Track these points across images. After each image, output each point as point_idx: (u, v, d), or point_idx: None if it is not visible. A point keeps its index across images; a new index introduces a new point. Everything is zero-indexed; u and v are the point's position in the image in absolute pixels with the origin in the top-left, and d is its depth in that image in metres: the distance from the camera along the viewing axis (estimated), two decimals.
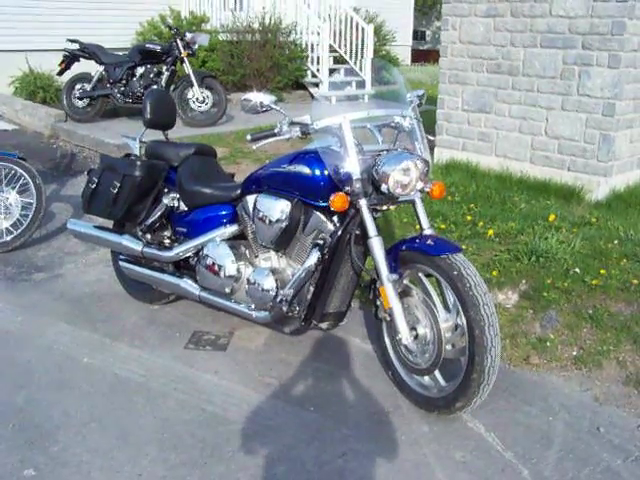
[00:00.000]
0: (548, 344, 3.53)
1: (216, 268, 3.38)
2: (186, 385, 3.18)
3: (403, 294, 2.92)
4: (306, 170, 3.04)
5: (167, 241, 3.79)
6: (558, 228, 4.69)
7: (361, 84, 12.55)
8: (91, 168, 3.97)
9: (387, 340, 3.14)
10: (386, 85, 3.62)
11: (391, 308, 2.87)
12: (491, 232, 4.68)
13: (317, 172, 3.00)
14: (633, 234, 4.55)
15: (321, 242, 3.07)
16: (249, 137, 3.07)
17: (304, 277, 3.08)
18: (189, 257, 3.60)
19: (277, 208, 3.11)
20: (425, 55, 20.16)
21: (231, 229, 3.43)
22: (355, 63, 12.38)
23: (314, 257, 3.05)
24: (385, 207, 3.05)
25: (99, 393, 3.10)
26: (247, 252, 3.41)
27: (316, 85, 12.00)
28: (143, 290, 3.98)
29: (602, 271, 4.00)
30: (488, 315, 2.67)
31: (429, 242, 2.89)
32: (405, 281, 2.94)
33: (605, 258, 4.20)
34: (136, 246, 3.72)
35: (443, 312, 2.87)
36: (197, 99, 8.36)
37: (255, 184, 3.32)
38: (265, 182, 3.25)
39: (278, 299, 3.14)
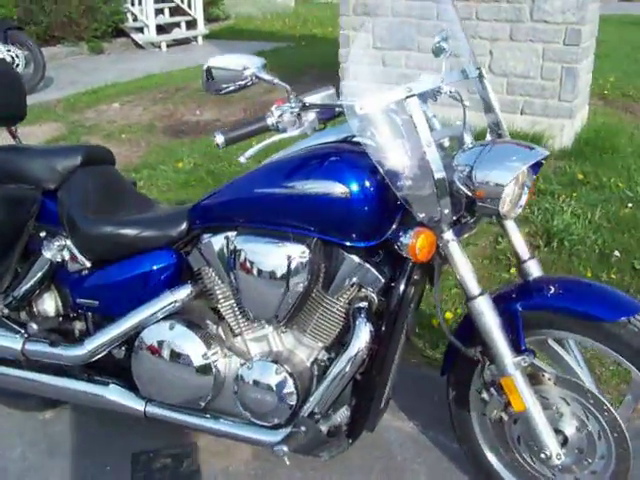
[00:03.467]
0: None
1: (171, 368, 1.95)
2: None
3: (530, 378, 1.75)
4: (335, 188, 1.68)
5: (58, 320, 2.23)
6: (552, 193, 3.73)
7: (192, 24, 10.81)
8: None
9: (490, 454, 1.95)
10: None
11: (527, 410, 1.68)
12: None
13: (354, 189, 1.66)
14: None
15: (364, 305, 1.77)
16: (220, 139, 1.65)
17: (349, 372, 1.78)
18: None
19: (282, 258, 1.74)
20: None
21: (182, 294, 1.97)
22: (182, 1, 10.58)
23: (362, 334, 1.74)
24: (466, 235, 1.82)
25: None
26: (220, 330, 2.00)
27: (140, 30, 10.09)
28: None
29: None
30: None
31: (563, 293, 1.72)
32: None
33: (635, 229, 3.31)
34: (12, 344, 2.12)
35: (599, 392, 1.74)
36: None
37: (219, 215, 1.90)
38: (244, 212, 1.84)
39: (306, 412, 1.83)
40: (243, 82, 1.64)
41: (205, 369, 1.91)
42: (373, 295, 1.78)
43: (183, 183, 4.25)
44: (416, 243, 1.59)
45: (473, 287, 1.68)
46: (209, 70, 1.64)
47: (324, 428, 1.82)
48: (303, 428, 1.78)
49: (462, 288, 1.70)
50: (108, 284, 2.06)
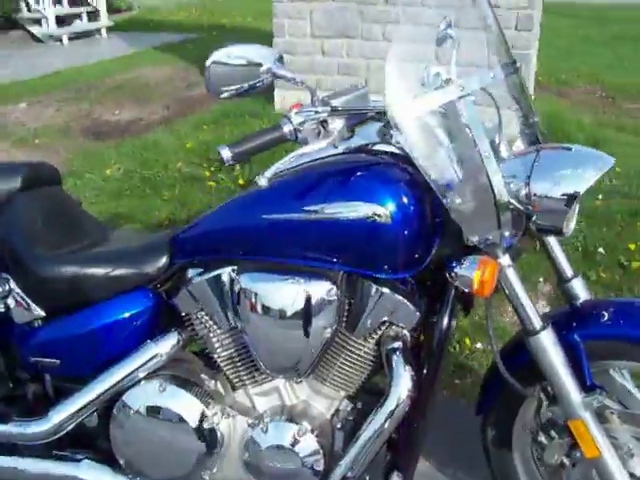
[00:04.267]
0: None
1: (165, 438, 1.59)
2: None
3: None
4: (368, 211, 1.37)
5: (5, 385, 1.79)
6: None
7: (93, 15, 10.08)
8: None
9: None
10: None
11: (600, 458, 1.45)
12: None
13: (391, 211, 1.36)
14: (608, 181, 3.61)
15: (398, 345, 1.48)
16: (226, 154, 1.30)
17: (389, 428, 1.48)
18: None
19: (304, 298, 1.42)
20: None
21: (167, 344, 1.60)
22: None
23: (403, 381, 1.45)
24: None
25: None
26: (218, 385, 1.66)
27: (37, 22, 9.29)
28: None
29: (630, 245, 2.98)
30: None
31: (622, 317, 1.51)
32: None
33: (612, 222, 3.19)
34: None
35: None
36: None
37: (212, 247, 1.55)
38: (247, 243, 1.50)
39: (336, 477, 1.52)
40: (255, 81, 1.31)
41: (208, 436, 1.57)
42: (406, 332, 1.49)
43: (115, 193, 3.80)
44: (482, 275, 1.31)
45: (534, 320, 1.43)
46: (213, 67, 1.30)
47: None
48: None
49: (521, 321, 1.45)
50: (72, 337, 1.67)
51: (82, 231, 1.82)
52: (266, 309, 1.45)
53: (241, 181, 3.74)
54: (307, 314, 1.43)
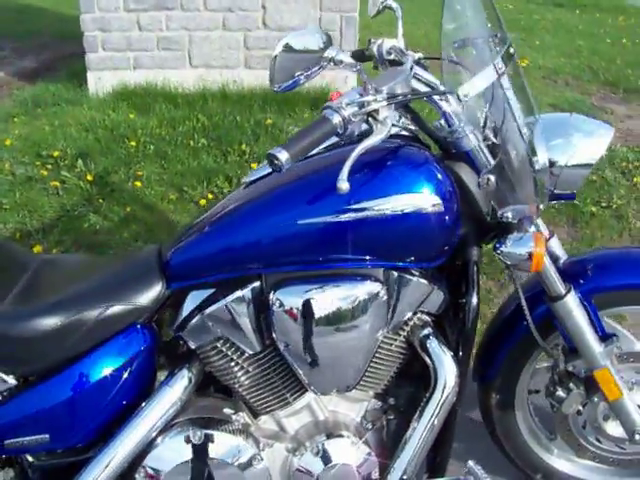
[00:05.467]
0: None
1: None
2: None
3: None
4: (414, 201, 1.30)
5: None
6: None
7: None
8: None
9: (540, 449, 1.81)
10: None
11: (621, 398, 1.58)
12: None
13: (432, 197, 1.31)
14: None
15: (429, 332, 1.45)
16: (284, 156, 1.11)
17: (439, 422, 1.43)
18: None
19: (355, 304, 1.32)
20: None
21: (181, 385, 1.40)
22: None
23: (448, 367, 1.40)
24: None
25: None
26: (245, 417, 1.48)
27: None
28: None
29: None
30: None
31: (610, 269, 1.65)
32: None
33: None
34: None
35: None
36: None
37: (226, 265, 1.36)
38: (276, 254, 1.33)
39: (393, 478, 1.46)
40: (315, 69, 1.19)
41: (258, 475, 1.41)
42: (429, 319, 1.47)
43: None
44: (541, 250, 1.33)
45: (560, 286, 1.50)
46: (279, 57, 1.16)
47: None
48: None
49: (546, 288, 1.50)
50: (59, 404, 1.37)
51: (16, 265, 1.51)
52: (315, 323, 1.33)
53: (90, 177, 3.36)
54: (361, 319, 1.34)
